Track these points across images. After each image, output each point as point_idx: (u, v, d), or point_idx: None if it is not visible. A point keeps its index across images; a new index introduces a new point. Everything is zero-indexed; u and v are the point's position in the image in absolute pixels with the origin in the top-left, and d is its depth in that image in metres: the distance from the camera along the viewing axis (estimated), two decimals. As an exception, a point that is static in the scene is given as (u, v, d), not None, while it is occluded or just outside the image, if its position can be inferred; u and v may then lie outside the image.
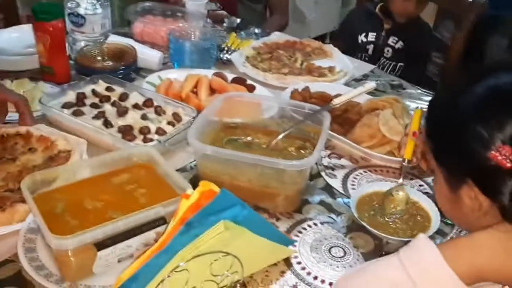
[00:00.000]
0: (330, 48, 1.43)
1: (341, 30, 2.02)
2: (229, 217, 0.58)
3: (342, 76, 1.27)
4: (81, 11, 1.18)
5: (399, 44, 1.68)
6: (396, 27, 1.69)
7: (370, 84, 0.98)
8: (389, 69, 1.71)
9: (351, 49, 1.61)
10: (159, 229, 0.67)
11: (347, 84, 1.23)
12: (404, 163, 0.85)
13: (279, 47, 1.41)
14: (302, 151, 0.90)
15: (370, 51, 1.71)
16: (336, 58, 1.38)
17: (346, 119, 1.01)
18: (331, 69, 1.29)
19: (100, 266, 0.64)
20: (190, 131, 0.81)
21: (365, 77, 1.33)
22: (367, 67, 1.39)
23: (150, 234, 0.67)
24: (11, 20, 1.65)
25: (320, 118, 0.89)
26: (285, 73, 1.25)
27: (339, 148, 1.00)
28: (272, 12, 1.95)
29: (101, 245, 0.63)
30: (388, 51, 1.70)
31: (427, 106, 0.62)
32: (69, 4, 1.17)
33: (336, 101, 0.93)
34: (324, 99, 1.06)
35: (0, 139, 0.86)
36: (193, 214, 0.58)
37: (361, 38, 1.72)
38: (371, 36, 1.70)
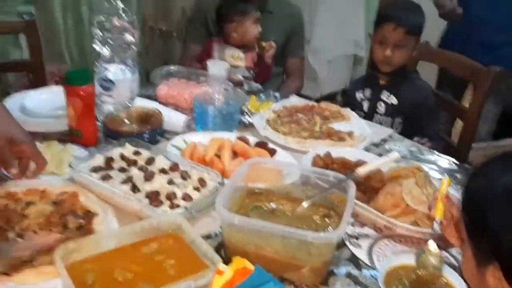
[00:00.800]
0: (348, 112, 1.46)
1: (348, 88, 2.01)
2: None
3: (361, 140, 1.29)
4: (111, 76, 1.23)
5: (393, 100, 1.61)
6: (388, 82, 1.64)
7: (394, 155, 1.00)
8: (387, 126, 1.65)
9: (350, 106, 1.57)
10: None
11: (366, 149, 1.26)
12: (435, 224, 0.84)
13: (298, 110, 1.45)
14: (327, 220, 0.90)
15: (365, 108, 1.66)
16: (354, 122, 1.42)
17: (368, 187, 1.02)
18: (350, 134, 1.31)
19: None
20: (218, 199, 0.82)
21: (383, 142, 1.35)
22: (385, 132, 1.42)
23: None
24: (38, 79, 1.73)
25: (344, 186, 0.91)
26: (305, 137, 1.27)
27: (362, 215, 1.00)
28: (288, 76, 2.01)
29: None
30: (381, 106, 1.63)
31: (451, 177, 0.63)
32: (99, 69, 1.23)
33: (361, 171, 0.94)
34: (345, 166, 1.08)
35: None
36: (228, 292, 0.58)
37: (359, 94, 1.69)
38: (367, 93, 1.67)
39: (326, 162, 1.11)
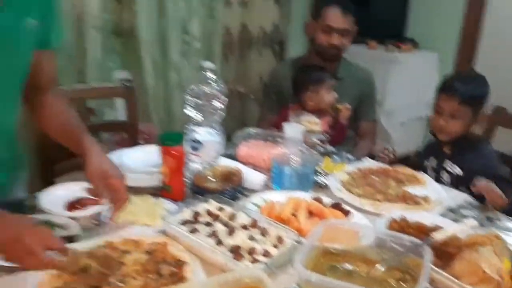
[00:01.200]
0: (423, 176, 1.48)
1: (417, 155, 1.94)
2: None
3: (436, 205, 1.30)
4: (199, 137, 1.36)
5: (456, 170, 1.57)
6: (452, 151, 1.60)
7: (471, 222, 1.01)
8: None
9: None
10: None
11: (442, 214, 1.26)
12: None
13: (372, 173, 1.49)
14: (402, 284, 0.92)
15: (431, 176, 1.57)
16: (430, 186, 1.43)
17: (444, 253, 1.02)
18: (426, 199, 1.32)
19: None
20: (296, 257, 0.88)
21: (459, 207, 1.35)
22: (462, 197, 1.41)
23: None
24: (131, 137, 1.92)
25: (420, 251, 0.93)
26: (379, 200, 1.31)
27: (437, 281, 1.00)
28: (361, 138, 2.06)
29: None
30: (445, 176, 1.60)
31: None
32: (189, 131, 1.36)
33: (438, 236, 0.96)
34: (421, 231, 1.10)
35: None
36: None
37: (426, 162, 1.68)
38: (432, 162, 1.65)
39: (401, 226, 1.13)
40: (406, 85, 3.24)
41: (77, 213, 1.15)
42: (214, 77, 1.34)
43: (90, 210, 1.16)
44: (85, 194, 1.19)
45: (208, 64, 1.36)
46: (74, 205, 1.18)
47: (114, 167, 1.11)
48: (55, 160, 1.75)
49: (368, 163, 1.57)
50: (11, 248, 0.84)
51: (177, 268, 0.93)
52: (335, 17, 1.89)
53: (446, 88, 1.56)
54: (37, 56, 1.12)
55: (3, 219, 0.87)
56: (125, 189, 1.09)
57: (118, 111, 2.69)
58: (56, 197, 1.20)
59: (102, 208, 1.15)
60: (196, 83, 1.36)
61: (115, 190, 1.07)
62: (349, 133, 1.99)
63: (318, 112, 1.84)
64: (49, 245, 0.85)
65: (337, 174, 1.47)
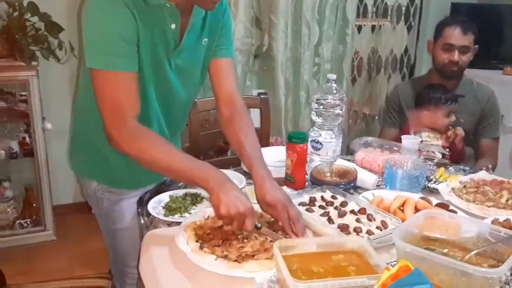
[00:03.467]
0: (541, 190, 1.48)
1: None
2: (419, 290, 0.77)
3: (550, 216, 1.32)
4: (321, 139, 1.57)
5: None
6: None
7: None
8: None
9: None
10: (363, 296, 0.88)
11: (554, 223, 1.28)
12: None
13: (486, 183, 1.54)
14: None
15: None
16: (546, 201, 1.43)
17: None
18: (538, 209, 1.35)
19: (317, 313, 0.88)
20: (394, 233, 1.03)
21: None
22: None
23: (355, 299, 0.89)
24: (264, 143, 2.20)
25: (514, 242, 1.01)
26: (488, 206, 1.37)
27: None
28: (481, 156, 2.07)
29: (322, 296, 0.87)
30: None
31: None
32: (312, 133, 1.59)
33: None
34: (524, 231, 1.15)
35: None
36: (392, 282, 0.79)
37: None
38: None
39: (504, 226, 1.19)
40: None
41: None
42: (335, 86, 1.55)
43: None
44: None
45: (332, 76, 1.57)
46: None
47: (287, 198, 1.17)
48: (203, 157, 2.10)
49: (483, 175, 1.61)
50: (232, 215, 1.08)
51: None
52: (455, 35, 1.97)
53: None
54: (214, 65, 1.43)
55: (238, 194, 1.11)
56: (299, 222, 1.13)
57: (254, 121, 3.02)
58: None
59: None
60: (321, 92, 1.58)
61: (288, 220, 1.14)
62: (468, 151, 2.03)
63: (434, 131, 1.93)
64: (247, 224, 1.09)
65: (450, 182, 1.55)
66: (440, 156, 1.94)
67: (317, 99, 1.60)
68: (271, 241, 1.12)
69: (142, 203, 1.42)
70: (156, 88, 1.32)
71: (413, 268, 0.80)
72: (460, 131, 1.94)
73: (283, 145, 3.06)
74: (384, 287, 0.79)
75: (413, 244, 1.09)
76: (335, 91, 1.57)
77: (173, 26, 1.27)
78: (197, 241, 1.12)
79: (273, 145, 2.90)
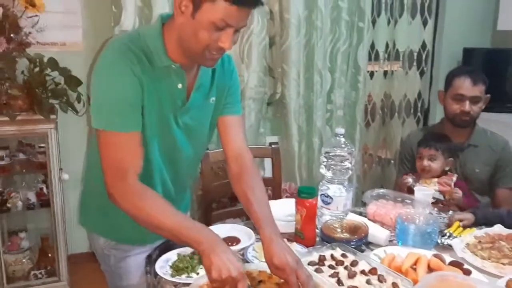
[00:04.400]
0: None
1: None
2: None
3: None
4: (331, 193, 1.56)
5: None
6: None
7: None
8: None
9: None
10: None
11: None
12: None
13: (501, 238, 1.50)
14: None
15: None
16: None
17: None
18: (556, 267, 1.30)
19: None
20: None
21: None
22: None
23: None
24: (275, 193, 2.19)
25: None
26: (504, 263, 1.32)
27: None
28: (497, 206, 2.02)
29: None
30: None
31: None
32: (323, 188, 1.58)
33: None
34: (541, 294, 1.11)
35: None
36: None
37: None
38: None
39: (520, 287, 1.15)
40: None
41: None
42: (344, 140, 1.55)
43: (238, 247, 1.42)
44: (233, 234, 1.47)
45: (340, 130, 1.58)
46: (226, 242, 1.46)
47: (296, 260, 1.14)
48: (213, 209, 2.11)
49: (499, 229, 1.57)
50: (224, 279, 1.07)
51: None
52: (465, 85, 1.97)
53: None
54: (222, 122, 1.46)
55: (230, 257, 1.10)
56: (309, 286, 1.11)
57: (266, 170, 3.04)
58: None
59: (247, 245, 1.40)
60: (330, 146, 1.59)
61: (297, 285, 1.11)
62: (484, 200, 1.98)
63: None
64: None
65: (464, 237, 1.51)
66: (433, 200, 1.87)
67: (326, 153, 1.60)
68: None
69: (151, 261, 1.42)
70: (160, 145, 1.34)
71: None
72: (457, 195, 1.86)
73: (296, 191, 3.08)
74: None
75: (425, 308, 1.07)
76: (343, 145, 1.57)
77: (179, 85, 1.30)
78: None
79: (286, 191, 2.90)
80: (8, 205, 2.64)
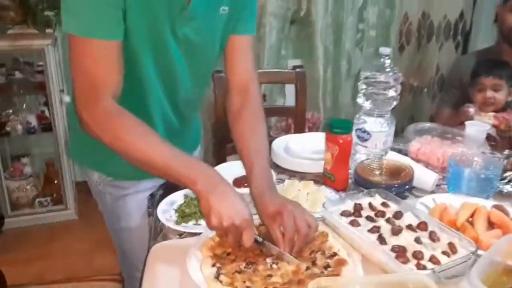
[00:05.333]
0: None
1: None
2: None
3: None
4: (368, 127, 1.29)
5: None
6: None
7: None
8: None
9: None
10: None
11: None
12: None
13: None
14: None
15: None
16: None
17: None
18: None
19: None
20: (473, 271, 0.77)
21: None
22: None
23: None
24: (298, 124, 1.94)
25: None
26: None
27: None
28: None
29: None
30: None
31: None
32: (359, 121, 1.31)
33: None
34: None
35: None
36: None
37: None
38: None
39: None
40: None
41: (242, 190, 1.19)
42: (389, 62, 1.26)
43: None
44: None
45: (385, 50, 1.28)
46: (242, 181, 1.23)
47: (298, 205, 0.98)
48: (228, 140, 1.86)
49: None
50: (226, 227, 0.87)
51: (334, 266, 0.89)
52: None
53: None
54: (231, 42, 1.18)
55: (234, 200, 0.90)
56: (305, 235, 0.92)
57: (287, 97, 2.77)
58: (226, 173, 1.26)
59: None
60: (371, 70, 1.29)
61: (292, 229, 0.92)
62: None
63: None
64: (244, 239, 0.88)
65: (529, 183, 1.26)
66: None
67: (365, 78, 1.31)
68: (307, 268, 0.88)
69: (154, 201, 1.21)
70: (155, 64, 1.07)
71: None
72: None
73: (320, 122, 2.82)
74: None
75: (493, 280, 0.84)
76: (388, 69, 1.28)
77: None
78: (213, 265, 0.89)
79: (308, 121, 2.64)
80: (7, 128, 2.46)
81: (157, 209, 1.12)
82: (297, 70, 1.91)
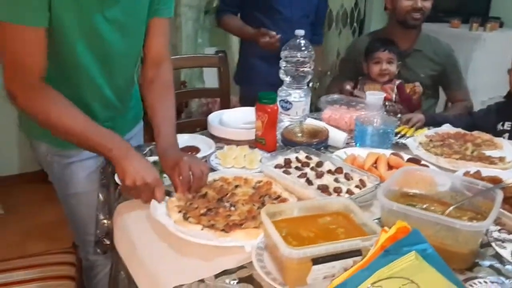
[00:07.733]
0: (500, 140, 1.54)
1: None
2: (419, 250, 0.77)
3: (512, 165, 1.38)
4: (290, 98, 1.53)
5: None
6: None
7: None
8: None
9: None
10: (356, 258, 0.87)
11: (518, 173, 1.33)
12: None
13: (450, 136, 1.58)
14: (474, 221, 1.03)
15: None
16: (507, 150, 1.49)
17: (514, 199, 1.12)
18: (501, 159, 1.40)
19: (311, 279, 0.87)
20: (379, 191, 1.03)
21: (536, 169, 1.41)
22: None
23: (349, 261, 0.88)
24: (223, 105, 2.13)
25: (493, 195, 1.03)
26: (456, 158, 1.40)
27: (509, 226, 1.10)
28: (454, 101, 2.13)
29: (316, 261, 0.85)
30: None
31: None
32: (282, 93, 1.54)
33: (510, 181, 1.06)
34: (495, 182, 1.19)
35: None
36: (391, 243, 0.78)
37: (499, 126, 1.72)
38: (507, 125, 1.69)
39: (475, 177, 1.23)
40: (489, 64, 3.20)
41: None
42: (303, 42, 1.50)
43: (199, 155, 1.37)
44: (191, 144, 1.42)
45: (300, 31, 1.51)
46: (185, 151, 1.40)
47: (194, 158, 1.20)
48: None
49: (447, 128, 1.65)
50: (139, 186, 1.06)
51: (277, 201, 1.11)
52: None
53: None
54: (151, 23, 1.32)
55: (144, 163, 1.10)
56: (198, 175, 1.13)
57: (206, 82, 2.93)
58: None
59: (209, 153, 1.36)
60: (289, 50, 1.53)
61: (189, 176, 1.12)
62: (428, 102, 2.07)
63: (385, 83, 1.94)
64: (157, 195, 1.08)
65: (416, 136, 1.58)
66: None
67: (285, 57, 1.54)
68: (258, 207, 1.09)
69: (107, 173, 1.34)
70: (90, 50, 1.19)
71: (410, 228, 0.79)
72: (419, 88, 1.96)
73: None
74: (383, 248, 0.78)
75: (394, 201, 1.11)
76: (303, 48, 1.52)
77: None
78: (180, 211, 1.06)
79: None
80: None
81: (114, 177, 1.25)
82: (220, 54, 2.09)
